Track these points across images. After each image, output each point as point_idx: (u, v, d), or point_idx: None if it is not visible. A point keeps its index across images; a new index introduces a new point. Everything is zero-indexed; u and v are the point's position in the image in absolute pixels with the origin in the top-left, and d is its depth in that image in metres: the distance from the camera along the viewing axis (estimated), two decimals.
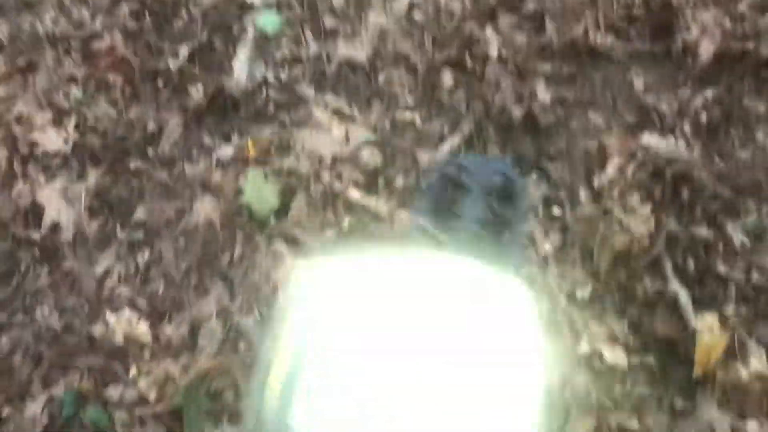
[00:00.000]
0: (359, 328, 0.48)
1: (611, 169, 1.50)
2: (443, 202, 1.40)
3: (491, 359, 0.48)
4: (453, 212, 1.37)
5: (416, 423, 0.45)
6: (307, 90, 1.73)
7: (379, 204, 1.50)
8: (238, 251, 1.49)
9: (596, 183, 1.50)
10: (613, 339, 1.35)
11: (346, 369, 0.47)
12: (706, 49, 1.74)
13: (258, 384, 0.46)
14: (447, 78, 1.72)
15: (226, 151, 1.63)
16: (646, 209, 1.42)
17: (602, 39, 1.76)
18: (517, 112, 1.64)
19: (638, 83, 1.74)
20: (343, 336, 0.48)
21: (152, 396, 1.32)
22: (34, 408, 1.33)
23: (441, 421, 0.46)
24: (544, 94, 1.69)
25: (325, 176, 1.55)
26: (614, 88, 1.75)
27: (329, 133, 1.63)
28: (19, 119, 1.66)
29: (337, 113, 1.67)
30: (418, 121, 1.66)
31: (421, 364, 0.47)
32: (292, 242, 1.48)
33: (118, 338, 1.39)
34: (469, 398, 0.47)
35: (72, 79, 1.74)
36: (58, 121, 1.67)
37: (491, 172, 1.42)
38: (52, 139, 1.63)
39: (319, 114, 1.67)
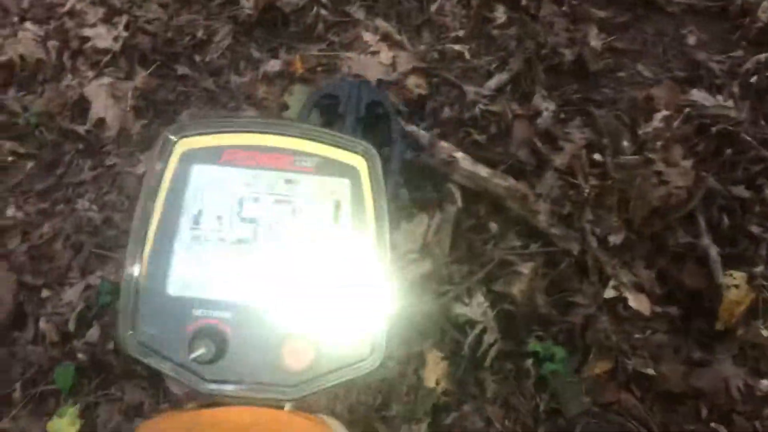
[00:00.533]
0: (221, 201, 0.53)
1: (657, 120, 1.49)
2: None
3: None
4: None
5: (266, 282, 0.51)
6: (358, 12, 1.72)
7: (420, 133, 1.50)
8: None
9: (640, 133, 1.50)
10: (639, 287, 1.37)
11: (211, 240, 0.52)
12: (766, 13, 1.72)
13: (129, 254, 0.51)
14: (500, 13, 1.70)
15: (273, 66, 1.63)
16: (688, 164, 1.42)
17: None
18: (568, 55, 1.62)
19: (691, 39, 1.72)
20: (208, 204, 0.53)
21: None
22: (72, 294, 1.37)
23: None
24: (596, 40, 1.68)
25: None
26: (666, 41, 1.73)
27: (376, 57, 1.62)
28: (71, 13, 1.66)
29: (386, 38, 1.66)
30: (467, 54, 1.64)
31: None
32: None
33: None
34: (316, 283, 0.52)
35: None
36: (109, 18, 1.67)
37: (363, 95, 1.41)
38: (103, 36, 1.63)
39: (368, 37, 1.66)
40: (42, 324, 1.35)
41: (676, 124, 1.49)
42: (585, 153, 1.45)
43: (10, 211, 1.46)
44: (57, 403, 1.30)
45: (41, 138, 1.56)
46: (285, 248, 0.52)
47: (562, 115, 1.56)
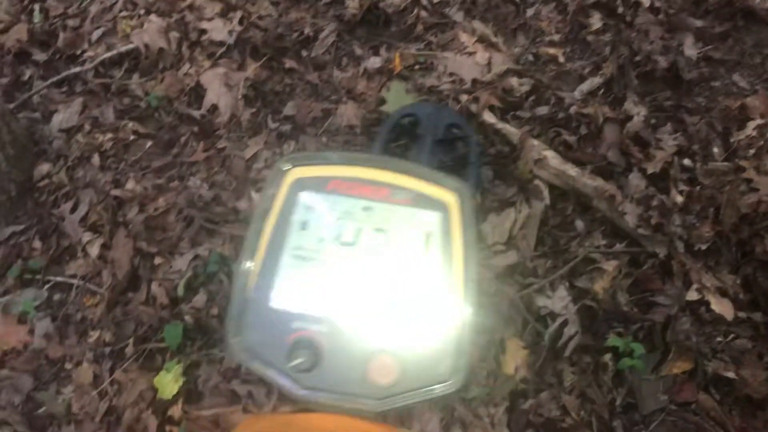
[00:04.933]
0: (323, 219, 0.61)
1: (750, 129, 1.50)
2: (394, 148, 1.49)
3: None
4: (404, 158, 1.43)
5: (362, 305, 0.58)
6: (457, 14, 1.79)
7: (511, 131, 1.56)
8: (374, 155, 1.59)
9: (732, 141, 1.51)
10: (723, 291, 1.38)
11: (316, 255, 0.59)
12: None
13: (241, 269, 0.59)
14: (595, 19, 1.74)
15: (374, 62, 1.72)
16: None
17: (762, 1, 1.73)
18: (662, 63, 1.65)
19: None
20: (313, 222, 0.61)
21: None
22: (182, 262, 1.49)
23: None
24: (691, 49, 1.69)
25: (463, 98, 1.62)
26: (766, 52, 1.72)
27: (472, 58, 1.69)
28: (191, 7, 1.80)
29: (482, 40, 1.72)
30: (561, 57, 1.69)
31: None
32: None
33: None
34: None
35: None
36: (225, 13, 1.80)
37: (442, 117, 1.46)
38: (219, 29, 1.76)
39: (465, 38, 1.73)
40: (154, 287, 1.47)
41: None
42: (677, 159, 1.48)
43: (130, 185, 1.60)
44: (163, 360, 1.42)
45: (160, 120, 1.70)
46: (378, 272, 0.58)
47: (653, 121, 1.58)
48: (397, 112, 1.48)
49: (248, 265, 0.58)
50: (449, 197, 0.60)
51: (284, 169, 0.61)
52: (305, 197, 0.61)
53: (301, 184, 0.61)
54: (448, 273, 0.58)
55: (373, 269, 0.58)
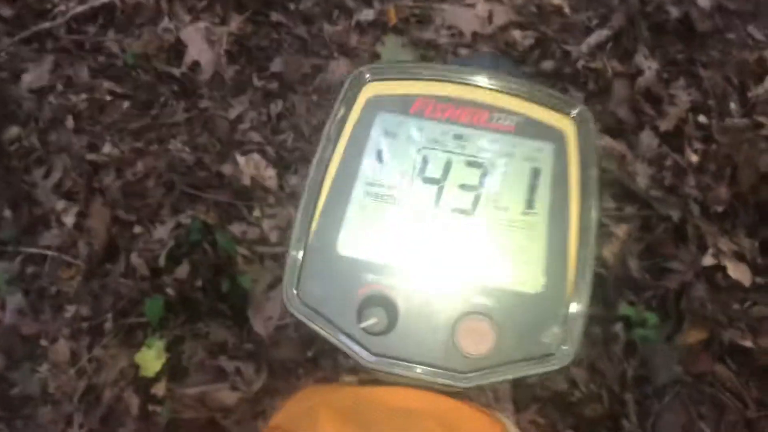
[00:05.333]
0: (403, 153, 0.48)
1: None
2: None
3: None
4: None
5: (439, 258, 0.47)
6: None
7: None
8: None
9: (750, 96, 1.42)
10: (740, 256, 1.30)
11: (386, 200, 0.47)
12: None
13: (301, 206, 0.47)
14: None
15: (367, 15, 1.61)
16: None
17: None
18: (674, 14, 1.55)
19: None
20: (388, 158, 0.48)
21: (273, 238, 1.37)
22: (163, 231, 1.40)
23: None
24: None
25: (463, 52, 1.52)
26: None
27: (472, 10, 1.58)
28: None
29: None
30: (566, 8, 1.59)
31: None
32: None
33: (245, 180, 1.43)
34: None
35: None
36: None
37: (501, 69, 1.35)
38: None
39: None
40: (133, 258, 1.38)
41: None
42: (691, 116, 1.39)
43: (106, 148, 1.50)
44: (145, 336, 1.33)
45: (137, 79, 1.59)
46: (470, 216, 0.47)
47: (665, 75, 1.49)
48: (453, 62, 1.37)
49: (310, 201, 0.47)
50: (565, 124, 0.48)
51: (359, 83, 0.48)
52: (383, 120, 0.49)
53: (378, 103, 0.49)
54: (560, 221, 0.47)
55: (463, 212, 0.47)
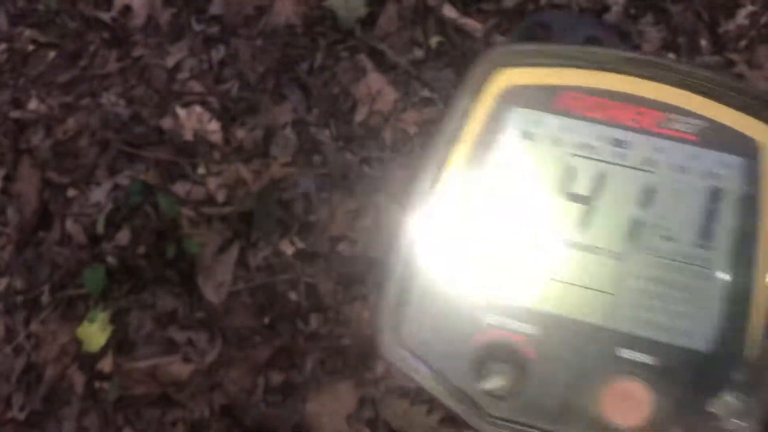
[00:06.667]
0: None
1: (741, 17, 1.34)
2: None
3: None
4: None
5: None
6: None
7: (475, 25, 1.37)
8: (318, 60, 1.38)
9: (720, 31, 1.35)
10: None
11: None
12: None
13: (405, 224, 0.37)
14: None
15: None
16: None
17: None
18: None
19: None
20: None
21: (221, 197, 1.28)
22: (99, 193, 1.30)
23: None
24: None
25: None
26: None
27: None
28: None
29: None
30: None
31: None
32: (377, 56, 1.37)
33: (188, 134, 1.32)
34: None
35: None
36: None
37: (580, 28, 1.27)
38: None
39: None
40: (69, 224, 1.28)
41: (763, 20, 1.34)
42: (664, 53, 1.32)
43: (33, 104, 1.37)
44: (86, 308, 1.24)
45: (63, 26, 1.45)
46: (629, 245, 0.37)
47: (632, 11, 1.41)
48: (528, 19, 1.26)
49: (417, 219, 0.37)
50: (761, 132, 0.36)
51: (489, 68, 0.38)
52: (517, 117, 0.38)
53: (514, 96, 0.38)
54: (744, 258, 0.36)
55: (620, 241, 0.37)
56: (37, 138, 1.35)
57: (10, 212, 1.30)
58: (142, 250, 1.24)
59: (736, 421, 0.35)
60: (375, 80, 1.36)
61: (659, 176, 0.37)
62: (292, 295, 1.24)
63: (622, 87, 0.37)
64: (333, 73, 1.38)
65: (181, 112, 1.33)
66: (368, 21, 1.39)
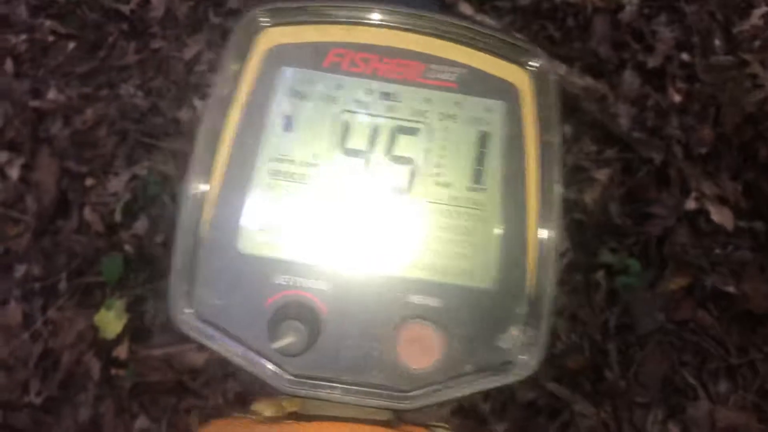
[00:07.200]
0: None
1: (755, 17, 1.35)
2: None
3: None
4: None
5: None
6: None
7: (491, 23, 1.38)
8: None
9: (735, 32, 1.36)
10: (722, 199, 1.26)
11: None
12: None
13: (188, 194, 0.37)
14: None
15: None
16: None
17: None
18: None
19: None
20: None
21: None
22: (117, 183, 1.31)
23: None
24: None
25: None
26: None
27: None
28: None
29: None
30: None
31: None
32: None
33: None
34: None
35: None
36: None
37: None
38: None
39: None
40: (87, 213, 1.29)
41: None
42: (677, 54, 1.32)
43: (52, 94, 1.39)
44: (103, 296, 1.26)
45: (83, 17, 1.47)
46: (405, 196, 0.37)
47: (646, 11, 1.42)
48: None
49: (200, 188, 0.37)
50: (520, 77, 0.38)
51: (254, 28, 0.38)
52: (289, 77, 0.38)
53: (283, 55, 0.38)
54: (515, 197, 0.37)
55: (396, 192, 0.37)
56: (55, 127, 1.36)
57: (29, 200, 1.31)
58: (159, 239, 1.25)
59: (524, 353, 0.36)
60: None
61: (428, 125, 0.38)
62: None
63: (387, 41, 0.38)
64: None
65: (198, 103, 1.35)
66: None
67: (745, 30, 1.34)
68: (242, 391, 1.18)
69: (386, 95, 0.38)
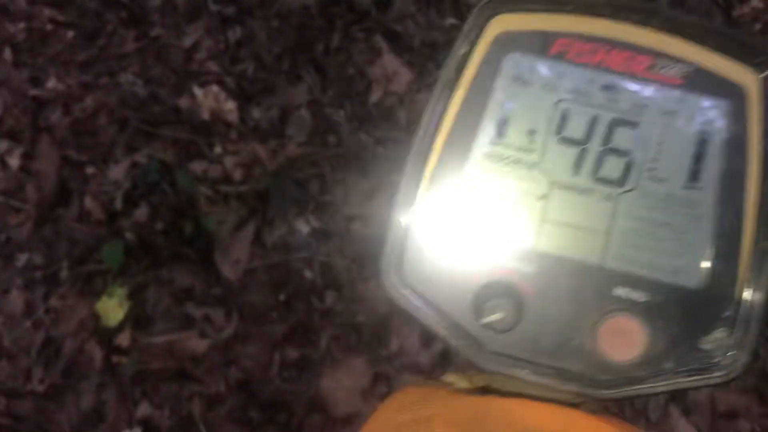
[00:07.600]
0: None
1: (756, 0, 1.35)
2: None
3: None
4: None
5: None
6: None
7: None
8: (334, 41, 1.39)
9: (735, 15, 1.36)
10: None
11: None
12: None
13: (406, 173, 0.38)
14: None
15: None
16: None
17: None
18: None
19: None
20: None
21: (237, 176, 1.29)
22: (118, 171, 1.31)
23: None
24: None
25: None
26: None
27: None
28: None
29: None
30: None
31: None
32: (392, 38, 1.38)
33: (204, 113, 1.34)
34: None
35: None
36: None
37: None
38: None
39: None
40: (87, 201, 1.29)
41: None
42: None
43: (51, 83, 1.38)
44: (104, 284, 1.26)
45: (82, 5, 1.46)
46: (617, 187, 0.37)
47: None
48: None
49: (417, 168, 0.38)
50: (748, 78, 0.37)
51: (489, 14, 0.38)
52: (512, 62, 0.39)
53: (510, 41, 0.38)
54: (733, 199, 0.37)
55: (608, 183, 0.38)
56: (55, 116, 1.36)
57: (30, 189, 1.32)
58: (160, 227, 1.25)
59: (730, 355, 0.35)
60: (390, 61, 1.37)
61: (648, 120, 0.37)
62: (308, 273, 1.25)
63: (615, 33, 0.38)
64: (348, 54, 1.39)
65: (198, 91, 1.35)
66: (384, 2, 1.40)
67: (746, 13, 1.34)
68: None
69: (608, 87, 0.38)
